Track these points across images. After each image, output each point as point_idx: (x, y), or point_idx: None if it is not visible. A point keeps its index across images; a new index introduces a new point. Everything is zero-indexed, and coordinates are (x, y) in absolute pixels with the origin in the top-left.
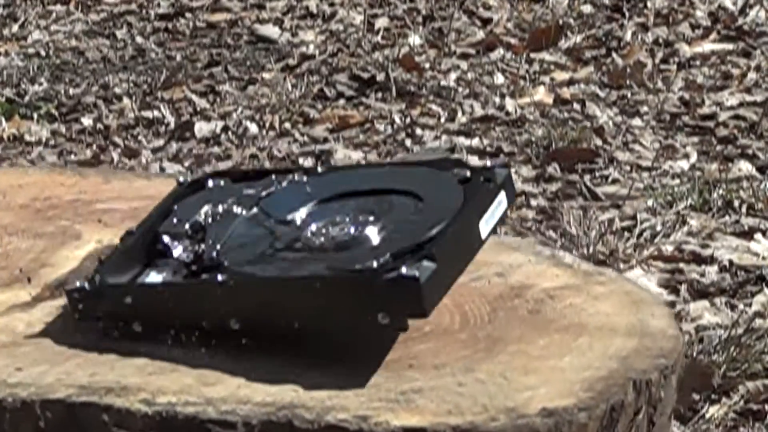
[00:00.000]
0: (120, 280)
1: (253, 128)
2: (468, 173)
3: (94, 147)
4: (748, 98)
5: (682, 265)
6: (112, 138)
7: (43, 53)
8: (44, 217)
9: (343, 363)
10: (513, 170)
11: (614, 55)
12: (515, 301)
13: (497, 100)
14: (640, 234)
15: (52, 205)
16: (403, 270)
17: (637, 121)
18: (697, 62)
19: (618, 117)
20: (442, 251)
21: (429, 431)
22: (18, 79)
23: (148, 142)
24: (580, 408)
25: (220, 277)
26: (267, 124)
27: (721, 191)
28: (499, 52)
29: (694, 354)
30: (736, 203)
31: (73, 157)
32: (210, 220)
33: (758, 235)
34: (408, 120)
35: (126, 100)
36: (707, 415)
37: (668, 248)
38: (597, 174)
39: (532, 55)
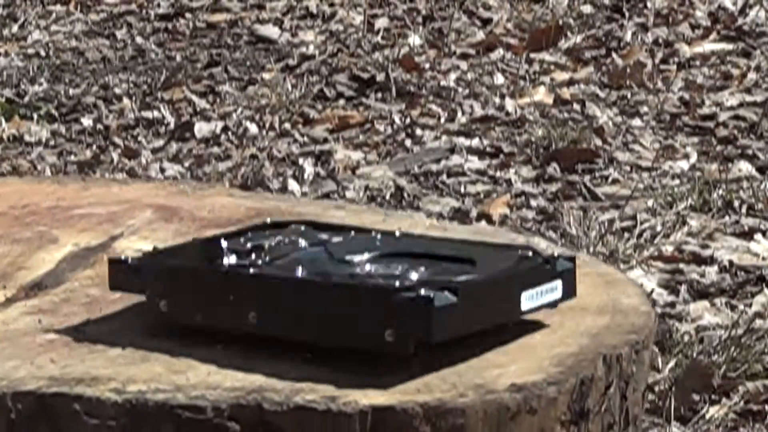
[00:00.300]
0: (159, 261)
1: (253, 128)
2: (530, 254)
3: (94, 147)
4: (748, 98)
5: (682, 265)
6: (112, 138)
7: (43, 53)
8: (22, 224)
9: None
10: (513, 170)
11: (614, 55)
12: None
13: (497, 100)
14: (640, 234)
15: (30, 212)
16: (422, 292)
17: (637, 122)
18: (697, 62)
19: (618, 117)
20: (468, 293)
21: (397, 409)
22: (18, 79)
23: (148, 143)
24: (550, 382)
25: (251, 270)
26: (267, 125)
27: (721, 191)
28: (499, 52)
29: (694, 354)
30: (736, 203)
31: (73, 157)
32: (273, 244)
33: (758, 236)
34: (408, 120)
35: (126, 101)
36: (707, 416)
37: (668, 248)
38: (597, 174)
39: (532, 55)
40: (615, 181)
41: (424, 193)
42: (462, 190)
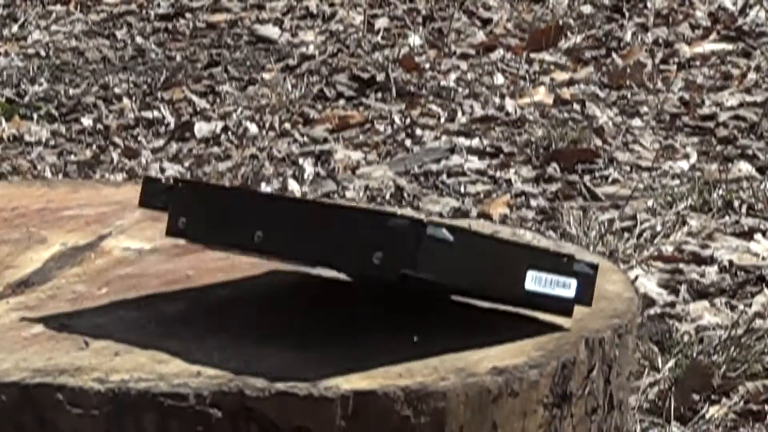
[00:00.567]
0: (186, 182)
1: (253, 128)
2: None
3: (94, 147)
4: (748, 98)
5: (682, 265)
6: (112, 138)
7: (43, 53)
8: (11, 225)
9: (299, 334)
10: (513, 170)
11: (614, 55)
12: None
13: (497, 100)
14: (640, 234)
15: (19, 214)
16: (415, 216)
17: (637, 122)
18: (697, 62)
19: (618, 117)
20: (467, 240)
21: (379, 393)
22: (18, 79)
23: (148, 143)
24: (531, 366)
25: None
26: (267, 125)
27: (721, 191)
28: (499, 52)
29: (694, 354)
30: (736, 203)
31: (73, 157)
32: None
33: (758, 236)
34: (408, 120)
35: (126, 101)
36: (707, 416)
37: (668, 248)
38: (597, 174)
39: (532, 55)
40: (615, 181)
41: (424, 193)
42: (462, 190)
